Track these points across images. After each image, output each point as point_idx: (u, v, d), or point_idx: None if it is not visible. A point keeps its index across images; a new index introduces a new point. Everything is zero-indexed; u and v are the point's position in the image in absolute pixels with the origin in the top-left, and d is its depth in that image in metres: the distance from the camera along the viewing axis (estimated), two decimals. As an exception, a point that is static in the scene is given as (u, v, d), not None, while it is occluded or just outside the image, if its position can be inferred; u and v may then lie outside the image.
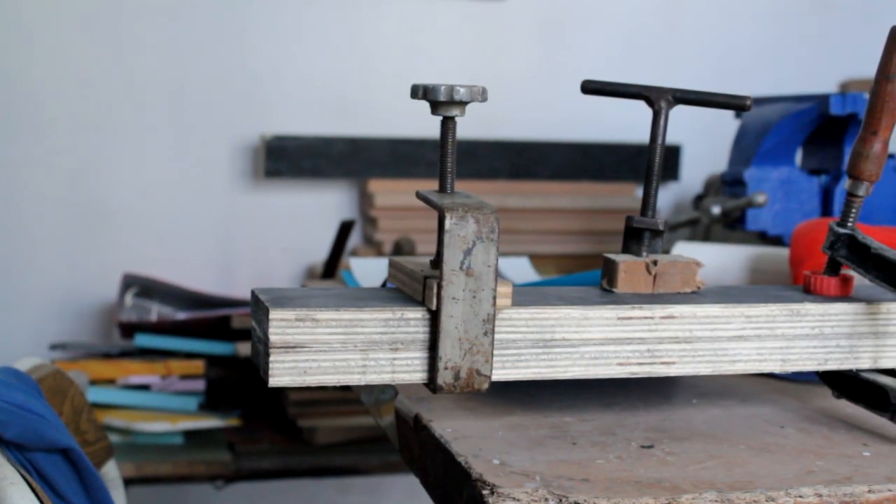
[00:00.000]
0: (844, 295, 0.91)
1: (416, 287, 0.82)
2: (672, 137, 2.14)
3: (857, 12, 2.33)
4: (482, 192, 2.03)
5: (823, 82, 2.29)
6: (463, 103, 0.83)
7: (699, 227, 1.63)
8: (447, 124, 0.84)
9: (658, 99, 0.92)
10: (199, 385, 1.80)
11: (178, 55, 2.02)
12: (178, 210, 2.05)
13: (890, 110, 0.88)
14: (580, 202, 2.09)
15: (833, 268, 0.92)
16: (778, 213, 1.43)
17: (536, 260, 1.88)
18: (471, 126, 2.07)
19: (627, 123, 2.11)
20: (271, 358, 0.77)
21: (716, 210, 1.46)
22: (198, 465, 1.74)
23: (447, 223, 0.78)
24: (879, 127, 0.89)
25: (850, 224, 0.91)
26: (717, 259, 1.29)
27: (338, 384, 0.79)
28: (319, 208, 2.10)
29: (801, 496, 0.75)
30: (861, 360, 0.90)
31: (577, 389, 0.98)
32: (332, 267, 1.82)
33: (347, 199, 2.11)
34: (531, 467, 0.78)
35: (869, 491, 0.76)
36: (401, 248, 1.78)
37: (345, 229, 1.81)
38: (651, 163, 0.92)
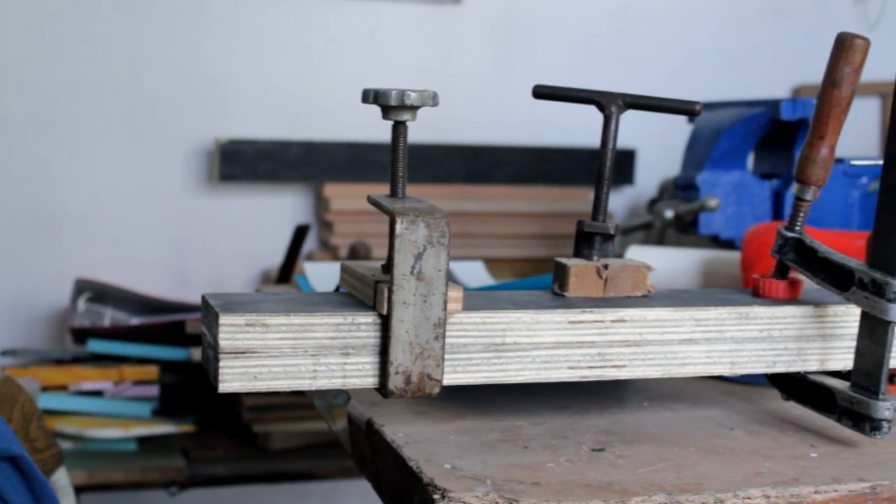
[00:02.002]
0: (792, 298, 0.92)
1: (367, 292, 0.82)
2: (627, 142, 2.15)
3: (810, 19, 2.36)
4: (438, 196, 2.03)
5: (777, 88, 2.32)
6: (414, 108, 0.83)
7: (653, 231, 1.64)
8: (398, 129, 0.84)
9: (609, 104, 0.93)
10: (153, 391, 1.79)
11: (133, 58, 2.01)
12: (131, 214, 2.03)
13: (836, 116, 0.89)
14: (536, 206, 2.10)
15: (781, 271, 0.93)
16: (730, 217, 1.44)
17: (493, 264, 1.88)
18: (427, 130, 2.08)
19: (583, 127, 2.12)
20: (221, 363, 0.77)
21: (669, 214, 1.47)
22: (152, 472, 1.73)
23: (398, 228, 0.78)
24: (826, 132, 0.90)
25: (797, 228, 0.91)
26: (670, 263, 1.30)
27: (288, 389, 0.79)
28: (275, 212, 2.09)
29: (749, 497, 0.75)
30: (809, 362, 0.91)
31: (530, 393, 0.98)
32: (287, 271, 1.81)
33: (303, 203, 2.10)
34: (482, 471, 0.78)
35: (815, 492, 0.77)
36: (356, 253, 1.78)
37: (300, 234, 1.81)
38: (602, 167, 0.93)
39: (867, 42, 0.88)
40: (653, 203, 1.66)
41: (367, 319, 0.79)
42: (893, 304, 0.83)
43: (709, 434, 0.89)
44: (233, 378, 0.77)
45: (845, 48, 0.88)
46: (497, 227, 2.07)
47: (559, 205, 2.11)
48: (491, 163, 2.11)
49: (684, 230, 1.49)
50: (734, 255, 1.27)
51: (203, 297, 0.83)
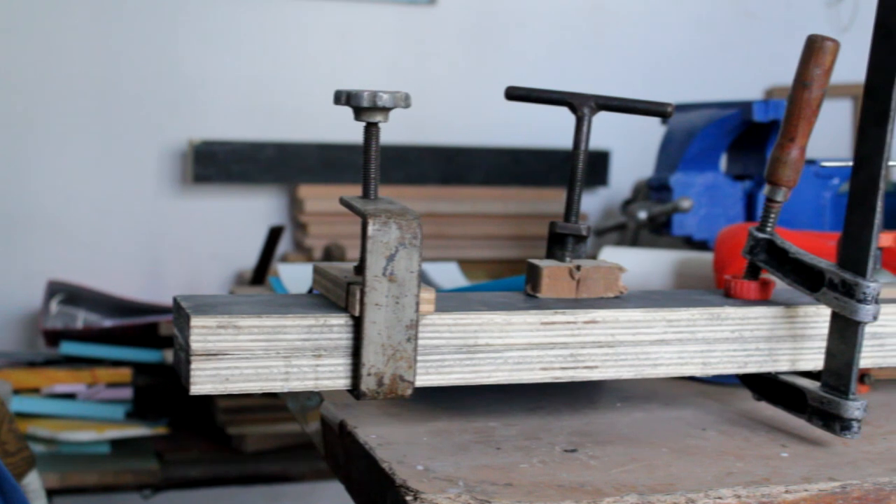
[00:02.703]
0: (764, 299, 0.93)
1: (339, 293, 0.82)
2: (601, 143, 2.16)
3: (782, 21, 2.37)
4: (412, 198, 2.03)
5: (750, 89, 2.33)
6: (386, 109, 0.83)
7: (627, 232, 1.65)
8: (370, 130, 0.84)
9: (581, 105, 0.93)
10: (127, 393, 1.78)
11: (106, 58, 2.00)
12: (104, 216, 2.02)
13: (806, 117, 0.90)
14: (511, 207, 2.10)
15: (753, 272, 0.93)
16: (703, 218, 1.45)
17: (467, 265, 1.88)
18: (401, 131, 2.08)
19: (557, 129, 2.12)
20: (192, 366, 0.77)
21: (642, 215, 1.48)
22: (125, 475, 1.72)
23: (370, 229, 0.78)
24: (797, 134, 0.90)
25: (769, 229, 0.92)
26: (643, 264, 1.31)
27: (260, 392, 0.79)
28: (249, 214, 2.08)
29: (720, 497, 0.76)
30: (780, 362, 0.91)
31: (503, 394, 0.98)
32: (261, 273, 1.80)
33: (277, 204, 2.10)
34: (455, 473, 0.78)
35: (786, 491, 0.77)
36: (330, 254, 1.78)
37: (274, 235, 1.80)
38: (574, 169, 0.93)
39: (837, 44, 0.89)
40: (627, 204, 1.66)
41: (340, 321, 0.79)
42: (863, 304, 0.83)
43: (681, 434, 0.90)
44: (204, 380, 0.77)
45: (815, 50, 0.89)
46: (471, 229, 2.07)
47: (533, 206, 2.11)
48: (465, 164, 2.11)
49: (658, 231, 1.49)
50: (707, 256, 1.28)
51: (175, 299, 0.82)
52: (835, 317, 0.86)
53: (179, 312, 0.80)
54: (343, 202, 0.85)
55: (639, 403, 0.98)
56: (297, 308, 0.81)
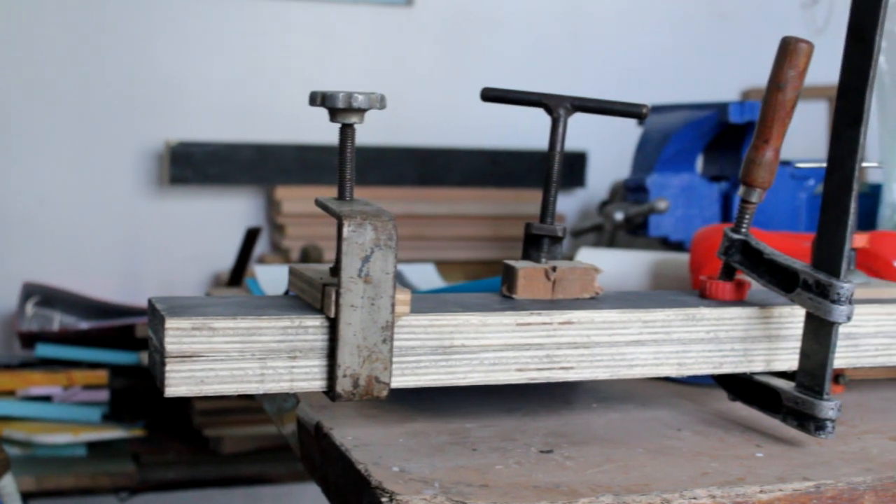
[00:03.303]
0: (739, 299, 0.93)
1: (315, 295, 0.81)
2: (579, 144, 2.16)
3: (758, 23, 2.38)
4: (390, 199, 2.03)
5: (726, 91, 2.34)
6: (361, 110, 0.83)
7: (604, 233, 1.65)
8: (346, 131, 0.84)
9: (556, 107, 0.93)
10: (103, 395, 1.77)
11: (83, 60, 1.99)
12: (80, 217, 2.01)
13: (780, 119, 0.90)
14: (488, 208, 2.10)
15: (728, 273, 0.94)
16: (679, 219, 1.45)
17: (445, 266, 1.88)
18: (379, 132, 2.08)
19: (535, 130, 2.12)
20: (167, 367, 0.76)
21: (619, 216, 1.48)
22: (101, 478, 1.71)
23: (345, 231, 0.78)
24: (771, 135, 0.91)
25: (743, 230, 0.92)
26: (620, 265, 1.31)
27: (235, 393, 0.79)
28: (226, 215, 2.08)
29: (695, 498, 0.76)
30: (755, 363, 0.91)
31: (480, 395, 0.98)
32: (238, 275, 1.80)
33: (254, 205, 2.09)
34: (431, 474, 0.78)
35: (760, 491, 0.77)
36: (308, 256, 1.77)
37: (251, 237, 1.80)
38: (550, 170, 0.93)
39: (811, 46, 0.89)
40: (604, 205, 1.67)
41: (315, 323, 0.79)
42: (837, 305, 0.84)
43: (656, 435, 0.90)
44: (179, 382, 0.77)
45: (789, 52, 0.89)
46: (448, 230, 2.07)
47: (511, 207, 2.12)
48: (442, 165, 2.11)
49: (634, 232, 1.50)
50: (683, 257, 1.28)
51: (150, 301, 0.82)
52: (809, 317, 0.87)
53: (154, 314, 0.80)
54: (318, 203, 0.85)
55: (615, 404, 0.99)
56: (273, 310, 0.81)
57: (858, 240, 1.00)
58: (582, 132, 1.93)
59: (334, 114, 0.83)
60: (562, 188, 2.22)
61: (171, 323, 0.76)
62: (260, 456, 1.85)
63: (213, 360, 0.77)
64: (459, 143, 2.16)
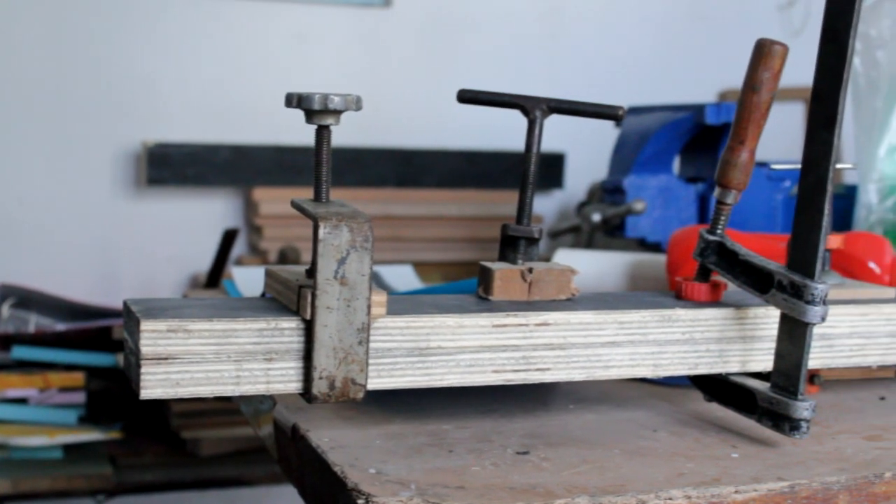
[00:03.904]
0: (714, 300, 0.93)
1: (290, 296, 0.81)
2: (557, 145, 2.17)
3: (735, 25, 2.39)
4: (368, 200, 2.03)
5: (704, 92, 2.34)
6: (337, 112, 0.83)
7: (582, 234, 1.65)
8: (322, 133, 0.84)
9: (532, 108, 0.93)
10: (80, 398, 1.76)
11: (59, 60, 1.98)
12: (57, 218, 2.00)
13: (756, 120, 0.90)
14: (466, 210, 2.10)
15: (703, 274, 0.94)
16: (656, 221, 1.46)
17: (423, 267, 1.88)
18: (357, 133, 2.07)
19: (513, 131, 2.12)
20: (142, 370, 0.76)
21: (596, 217, 1.48)
22: (78, 480, 1.70)
23: (321, 232, 0.77)
24: (746, 137, 0.91)
25: (719, 231, 0.93)
26: (597, 266, 1.31)
27: (211, 395, 0.79)
28: (204, 216, 2.07)
29: (670, 498, 0.76)
30: (730, 363, 0.92)
31: (457, 397, 0.98)
32: (215, 276, 1.80)
33: (232, 207, 2.09)
34: (407, 476, 0.78)
35: (735, 491, 0.78)
36: (285, 257, 1.77)
37: (228, 238, 1.79)
38: (526, 171, 0.93)
39: (785, 48, 0.90)
40: (581, 206, 1.67)
41: (291, 324, 0.79)
42: (811, 305, 0.84)
43: (632, 436, 0.90)
44: (154, 384, 0.77)
45: (764, 54, 0.90)
46: (426, 231, 2.07)
47: (489, 208, 2.12)
48: (420, 166, 2.11)
49: (612, 233, 1.50)
50: (660, 258, 1.28)
51: (125, 303, 0.82)
52: (784, 318, 0.87)
53: (130, 316, 0.80)
54: (294, 205, 0.85)
55: (591, 405, 0.99)
56: (249, 311, 0.80)
57: (833, 241, 1.01)
58: (560, 133, 1.93)
59: (310, 115, 0.83)
60: (540, 189, 2.22)
61: (146, 325, 0.76)
62: (238, 458, 1.84)
63: (189, 362, 0.77)
64: (437, 145, 2.16)
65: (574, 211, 1.93)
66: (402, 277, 1.56)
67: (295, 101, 0.82)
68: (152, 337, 0.76)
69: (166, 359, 0.77)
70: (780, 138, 1.69)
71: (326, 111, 0.82)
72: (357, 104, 0.83)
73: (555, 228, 1.77)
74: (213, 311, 0.79)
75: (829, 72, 0.84)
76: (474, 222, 2.10)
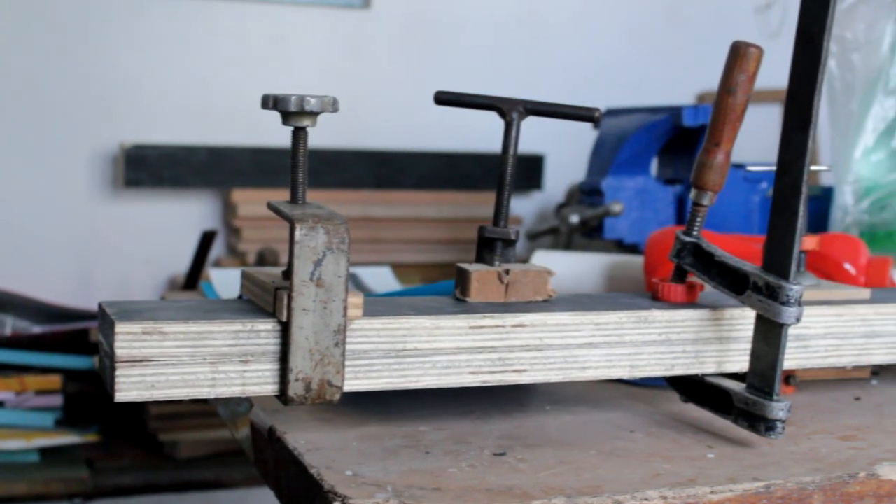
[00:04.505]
0: (690, 302, 0.94)
1: (267, 298, 0.81)
2: (536, 147, 2.17)
3: (713, 27, 2.40)
4: (347, 202, 2.03)
5: (682, 94, 2.35)
6: (314, 114, 0.82)
7: (560, 236, 1.66)
8: (298, 135, 0.84)
9: (509, 110, 0.93)
10: (56, 400, 1.76)
11: (36, 61, 1.97)
12: (34, 221, 2.00)
13: (731, 122, 0.91)
14: (445, 211, 2.10)
15: (680, 275, 0.94)
16: (634, 222, 1.46)
17: (402, 269, 1.88)
18: (336, 135, 2.07)
19: (492, 133, 2.12)
20: (117, 372, 0.76)
21: (574, 219, 1.49)
22: (55, 484, 1.70)
23: (297, 234, 0.77)
24: (722, 138, 0.91)
25: (695, 232, 0.93)
26: (575, 267, 1.31)
27: (186, 398, 0.78)
28: (182, 218, 2.07)
29: (646, 499, 0.76)
30: (706, 364, 0.92)
31: (434, 398, 0.98)
32: (193, 278, 1.79)
33: (210, 208, 2.08)
34: (383, 477, 0.78)
35: (711, 492, 0.78)
36: (264, 259, 1.77)
37: (206, 240, 1.79)
38: (503, 173, 0.93)
39: (760, 51, 0.90)
40: (560, 208, 1.67)
41: (267, 326, 0.79)
42: (786, 306, 0.84)
43: (609, 437, 0.90)
44: (129, 387, 0.76)
45: (740, 56, 0.90)
46: (405, 233, 2.07)
47: (467, 210, 2.12)
48: (399, 168, 2.11)
49: (590, 235, 1.50)
50: (638, 260, 1.29)
51: (100, 305, 0.82)
52: (759, 319, 0.88)
53: (104, 318, 0.79)
54: (271, 207, 0.85)
55: (568, 406, 0.99)
56: (224, 314, 0.80)
57: (809, 242, 1.01)
58: (540, 135, 1.94)
59: (286, 117, 0.83)
60: (519, 191, 2.23)
61: (120, 327, 0.75)
62: (216, 460, 1.84)
63: (164, 364, 0.77)
64: (417, 146, 2.16)
65: (553, 212, 1.93)
66: (381, 279, 1.56)
67: (271, 102, 0.82)
68: (127, 339, 0.76)
69: (141, 361, 0.76)
70: (758, 140, 1.69)
71: (303, 113, 0.82)
72: (334, 106, 0.82)
73: (534, 230, 1.77)
74: (188, 314, 0.79)
75: (803, 74, 0.84)
76: (453, 224, 2.10)
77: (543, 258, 1.33)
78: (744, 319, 0.92)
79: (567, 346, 0.87)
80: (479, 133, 2.16)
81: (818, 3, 0.83)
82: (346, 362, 0.81)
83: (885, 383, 1.12)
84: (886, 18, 1.45)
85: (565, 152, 2.19)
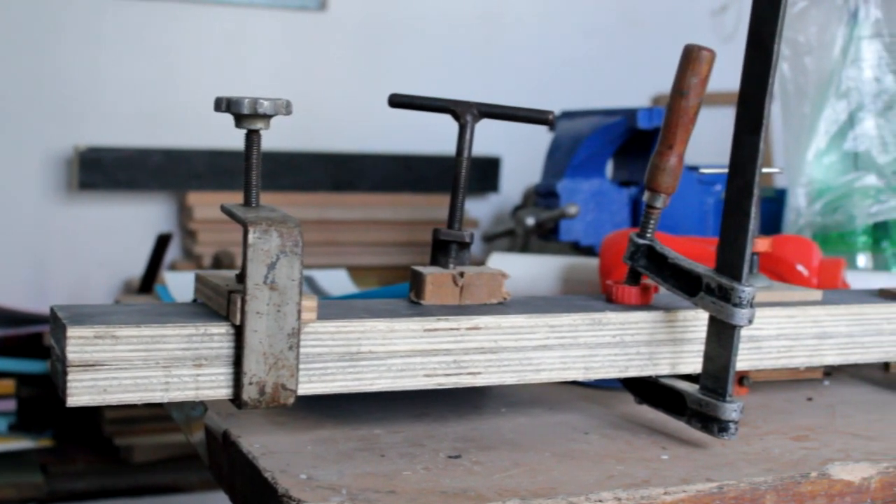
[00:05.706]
0: (645, 304, 0.94)
1: (220, 302, 0.81)
2: (492, 149, 2.17)
3: (668, 30, 2.41)
4: (303, 204, 2.02)
5: (638, 97, 2.37)
6: (267, 116, 0.82)
7: (517, 238, 1.66)
8: (251, 137, 0.83)
9: (463, 113, 0.93)
10: (10, 405, 1.74)
11: (-14, 63, 1.95)
12: (-14, 224, 1.98)
13: (684, 125, 0.91)
14: (402, 214, 2.10)
15: (634, 277, 0.95)
16: (589, 224, 1.47)
17: (358, 272, 1.88)
18: (292, 137, 2.07)
19: (448, 135, 2.12)
20: (69, 377, 0.75)
21: (530, 221, 1.49)
22: (8, 489, 1.68)
23: (250, 237, 0.77)
24: (675, 141, 0.92)
25: (648, 235, 0.93)
26: (531, 270, 1.32)
27: (140, 402, 0.78)
28: (137, 221, 2.05)
29: (600, 500, 0.77)
30: (660, 366, 0.93)
31: (389, 401, 0.98)
32: (148, 281, 1.78)
33: (166, 211, 2.07)
34: (338, 481, 0.78)
35: (665, 493, 0.78)
36: (220, 262, 1.76)
37: (162, 243, 1.78)
38: (458, 175, 0.93)
39: (713, 53, 0.91)
40: (516, 210, 1.68)
41: (220, 330, 0.79)
42: (738, 308, 0.85)
43: (564, 439, 0.90)
44: (82, 392, 0.76)
45: (692, 59, 0.90)
46: (362, 235, 2.07)
47: (424, 212, 2.12)
48: (356, 170, 2.11)
49: (546, 237, 1.51)
50: (593, 262, 1.29)
51: (52, 309, 0.81)
52: (712, 320, 0.88)
53: (56, 322, 0.79)
54: (224, 210, 0.84)
55: (523, 409, 0.99)
56: (178, 317, 0.80)
57: (761, 244, 1.02)
58: (497, 137, 1.94)
59: (240, 120, 0.82)
60: (476, 193, 2.23)
61: (72, 332, 0.75)
62: (171, 465, 1.83)
63: (117, 368, 0.76)
64: (373, 149, 2.16)
65: (509, 215, 1.94)
66: (337, 282, 1.56)
67: (224, 105, 0.82)
68: (79, 344, 0.75)
69: (93, 366, 0.76)
70: (714, 143, 1.71)
71: (256, 115, 0.82)
72: (287, 108, 0.82)
73: (490, 232, 1.78)
74: (141, 318, 0.79)
75: (754, 77, 0.85)
76: (410, 226, 2.10)
77: (499, 260, 1.34)
78: (697, 321, 0.93)
79: (522, 348, 0.87)
80: (436, 135, 2.15)
81: (769, 7, 0.84)
82: (301, 366, 0.80)
83: (838, 384, 1.13)
84: (838, 22, 1.47)
85: (522, 155, 2.19)
